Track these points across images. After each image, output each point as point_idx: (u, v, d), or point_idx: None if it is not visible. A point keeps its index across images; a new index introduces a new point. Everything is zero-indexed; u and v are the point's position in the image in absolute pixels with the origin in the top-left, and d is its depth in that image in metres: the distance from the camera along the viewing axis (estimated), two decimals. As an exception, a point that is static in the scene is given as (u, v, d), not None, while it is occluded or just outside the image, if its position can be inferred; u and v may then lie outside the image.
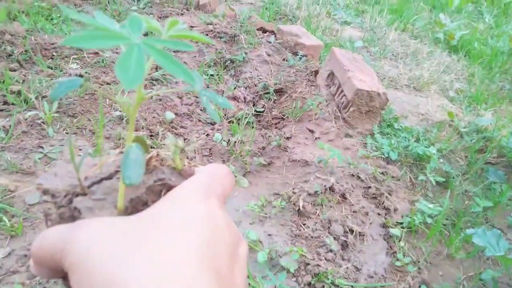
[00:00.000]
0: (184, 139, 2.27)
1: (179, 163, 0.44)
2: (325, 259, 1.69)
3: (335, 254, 1.72)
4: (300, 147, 2.30)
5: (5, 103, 2.17)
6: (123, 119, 2.26)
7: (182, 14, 3.61)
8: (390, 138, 2.42)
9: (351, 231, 1.85)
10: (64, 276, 0.36)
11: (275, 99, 2.77)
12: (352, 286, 1.66)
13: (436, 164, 2.30)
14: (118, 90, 2.41)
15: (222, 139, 2.34)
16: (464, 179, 2.41)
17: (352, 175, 2.11)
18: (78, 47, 0.29)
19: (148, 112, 2.34)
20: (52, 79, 2.37)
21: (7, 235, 1.58)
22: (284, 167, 2.21)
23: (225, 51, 3.14)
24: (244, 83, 2.88)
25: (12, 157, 1.85)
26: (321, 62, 3.23)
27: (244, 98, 2.76)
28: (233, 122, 2.49)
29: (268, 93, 2.78)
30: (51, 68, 2.49)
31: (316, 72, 2.91)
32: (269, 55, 3.14)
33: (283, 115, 2.63)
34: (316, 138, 2.37)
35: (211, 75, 2.94)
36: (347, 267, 1.71)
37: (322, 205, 1.92)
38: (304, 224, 1.86)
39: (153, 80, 2.66)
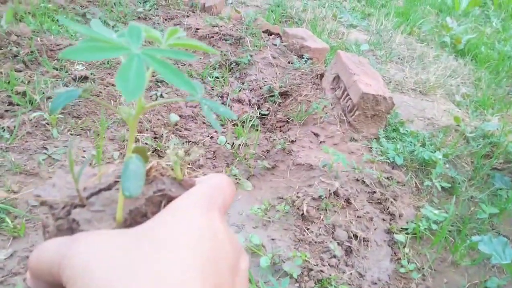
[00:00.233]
0: (188, 142, 2.26)
1: (179, 174, 0.43)
2: (329, 264, 1.68)
3: (338, 260, 1.71)
4: (304, 151, 2.29)
5: (10, 103, 2.18)
6: (127, 121, 2.25)
7: (187, 16, 3.61)
8: (395, 142, 2.41)
9: (355, 236, 1.83)
10: None
11: (280, 102, 2.76)
12: (355, 293, 1.65)
13: (442, 169, 2.28)
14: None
15: (226, 142, 2.33)
16: (470, 185, 2.38)
17: (357, 179, 2.09)
18: (77, 59, 0.29)
19: (153, 114, 2.33)
20: (57, 80, 2.37)
21: (9, 236, 1.58)
22: (288, 170, 2.20)
23: (231, 53, 3.14)
24: (249, 85, 2.87)
25: (16, 158, 1.85)
26: (326, 65, 3.22)
27: (249, 100, 2.75)
28: (237, 125, 2.48)
29: (273, 96, 2.77)
30: (57, 69, 2.50)
31: (322, 75, 2.90)
32: (274, 57, 3.13)
33: (288, 118, 2.62)
34: (321, 142, 2.36)
35: (216, 77, 2.93)
36: (351, 273, 1.70)
37: (326, 210, 1.91)
38: (307, 229, 1.84)
39: (158, 81, 2.66)
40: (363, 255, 1.81)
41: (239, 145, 2.31)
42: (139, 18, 3.45)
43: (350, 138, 2.38)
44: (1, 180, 1.73)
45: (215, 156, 2.23)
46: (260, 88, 2.83)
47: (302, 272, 1.64)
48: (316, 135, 2.42)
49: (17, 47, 2.56)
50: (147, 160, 0.43)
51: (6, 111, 2.12)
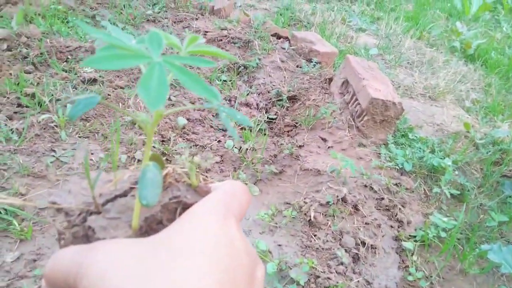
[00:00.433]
0: (196, 145, 2.26)
1: (195, 180, 0.43)
2: (336, 272, 1.66)
3: (346, 267, 1.69)
4: (312, 156, 2.27)
5: (19, 105, 2.19)
6: (135, 123, 2.26)
7: (196, 19, 3.62)
8: (404, 148, 2.38)
9: (363, 243, 1.81)
10: None
11: (288, 106, 2.75)
12: (363, 301, 1.63)
13: (451, 176, 2.25)
14: (132, 94, 2.41)
15: (233, 146, 2.32)
16: (480, 192, 2.35)
17: (365, 185, 2.07)
18: (98, 68, 0.29)
19: (160, 117, 2.33)
20: (66, 82, 2.38)
21: (16, 239, 1.58)
22: (295, 176, 2.18)
23: (239, 56, 3.13)
24: (257, 89, 2.86)
25: (24, 160, 1.86)
26: (335, 69, 3.20)
27: (257, 104, 2.74)
28: (245, 129, 2.47)
29: (281, 100, 2.76)
30: (66, 71, 2.51)
31: (330, 80, 2.89)
32: (282, 61, 3.12)
33: (296, 123, 2.60)
34: (329, 147, 2.34)
35: (224, 80, 2.93)
36: (358, 281, 1.68)
37: (334, 216, 1.89)
38: (315, 235, 1.83)
39: (166, 84, 2.65)
40: (370, 262, 1.79)
41: (247, 149, 2.30)
42: (148, 20, 3.46)
43: (358, 144, 2.36)
44: (9, 182, 1.74)
45: (222, 160, 2.22)
46: (268, 92, 2.82)
47: (309, 279, 1.62)
48: (324, 140, 2.41)
49: (27, 49, 2.58)
50: (163, 166, 0.43)
51: (15, 112, 2.13)
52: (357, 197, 1.96)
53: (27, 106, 2.17)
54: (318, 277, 1.62)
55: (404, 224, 1.98)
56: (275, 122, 2.69)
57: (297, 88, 2.81)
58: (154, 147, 2.11)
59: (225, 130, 2.48)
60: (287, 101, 2.75)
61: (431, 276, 1.83)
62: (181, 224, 0.36)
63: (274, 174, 2.21)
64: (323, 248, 1.76)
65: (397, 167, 2.26)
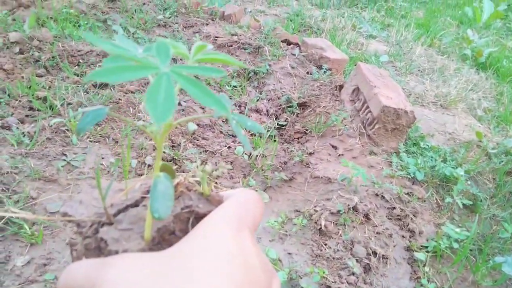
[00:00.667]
0: (206, 151, 2.25)
1: (206, 189, 0.43)
2: (347, 282, 1.64)
3: (357, 277, 1.67)
4: (323, 164, 2.26)
5: (31, 108, 2.20)
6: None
7: (207, 24, 3.62)
8: (416, 157, 2.36)
9: (374, 253, 1.79)
10: None
11: (298, 113, 2.74)
12: (374, 312, 1.60)
13: (464, 186, 2.22)
14: (142, 99, 2.41)
15: (243, 152, 2.31)
16: (492, 202, 2.32)
17: (376, 194, 2.05)
18: (105, 81, 0.28)
19: (171, 122, 2.33)
20: (77, 86, 2.39)
21: (27, 243, 1.58)
22: (306, 183, 2.17)
23: (249, 62, 3.13)
24: (267, 95, 2.85)
25: (35, 163, 1.86)
26: (345, 76, 3.19)
27: (267, 110, 2.73)
28: (255, 135, 2.46)
29: (291, 106, 2.75)
30: (77, 75, 2.52)
31: (341, 87, 2.87)
32: (293, 67, 3.11)
33: (306, 130, 2.59)
34: (339, 155, 2.33)
35: (234, 86, 2.92)
36: (370, 292, 1.65)
37: (345, 225, 1.87)
38: (325, 244, 1.81)
39: (176, 89, 2.65)
40: (382, 272, 1.77)
41: (257, 156, 2.29)
42: (159, 25, 3.47)
43: (369, 152, 2.34)
44: (20, 186, 1.74)
45: (232, 167, 2.21)
46: (278, 98, 2.81)
47: (319, 289, 1.60)
48: (335, 147, 2.39)
49: (38, 52, 2.59)
50: (174, 176, 0.42)
51: (27, 116, 2.14)
52: (368, 206, 1.94)
53: (38, 110, 2.18)
54: (329, 287, 1.60)
55: (416, 234, 1.96)
56: (285, 128, 2.68)
57: (307, 94, 2.79)
58: (164, 152, 2.11)
59: (235, 136, 2.47)
60: (297, 107, 2.74)
61: (443, 288, 1.80)
62: (194, 239, 0.35)
63: (284, 181, 2.19)
64: (334, 258, 1.74)
65: (408, 176, 2.23)
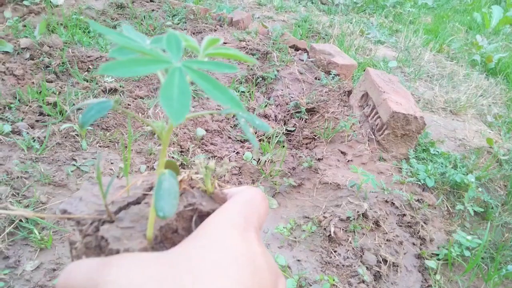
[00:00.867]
0: (214, 156, 2.25)
1: (210, 187, 0.42)
2: (357, 290, 1.62)
3: (367, 286, 1.65)
4: (331, 169, 2.24)
5: (41, 113, 2.21)
6: (154, 133, 2.26)
7: (215, 30, 3.64)
8: (426, 163, 2.33)
9: (385, 261, 1.77)
10: None
11: (306, 119, 2.73)
12: (385, 321, 1.58)
13: (475, 193, 2.20)
14: (151, 104, 2.42)
15: (252, 157, 2.30)
16: (504, 210, 2.29)
17: (386, 201, 2.03)
18: (116, 75, 0.26)
19: (179, 127, 2.33)
20: (87, 92, 2.40)
21: (36, 248, 1.58)
22: (314, 189, 2.15)
23: (257, 68, 3.13)
24: (275, 101, 2.85)
25: (45, 168, 1.87)
26: (354, 82, 3.18)
27: (275, 116, 2.73)
28: (263, 141, 2.46)
29: (299, 112, 2.74)
30: (87, 81, 2.53)
31: (349, 92, 2.86)
32: (301, 73, 3.11)
33: (315, 135, 2.58)
34: (348, 161, 2.31)
35: (242, 91, 2.92)
36: (380, 300, 1.63)
37: (355, 232, 1.85)
38: (335, 251, 1.79)
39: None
40: (392, 280, 1.74)
41: (265, 161, 2.28)
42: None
43: (378, 158, 2.32)
44: (30, 191, 1.74)
45: (240, 172, 2.21)
46: (287, 104, 2.81)
47: (329, 297, 1.58)
48: (344, 153, 2.38)
49: (49, 58, 2.61)
50: (178, 173, 0.41)
51: (37, 121, 2.15)
52: (378, 213, 1.92)
53: (48, 115, 2.19)
54: (339, 294, 1.58)
55: (426, 241, 1.93)
56: (293, 134, 2.67)
57: (315, 100, 2.78)
58: (172, 157, 2.11)
59: (243, 142, 2.47)
60: (306, 113, 2.73)
61: (455, 297, 1.77)
62: (199, 238, 0.34)
63: (292, 187, 2.18)
64: (343, 265, 1.72)
65: (418, 182, 2.21)
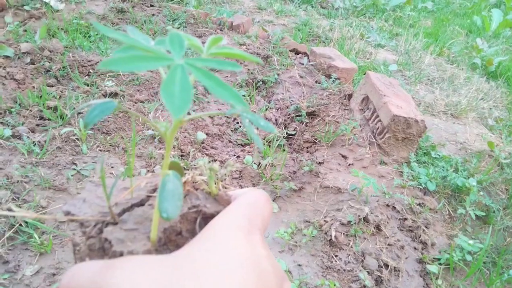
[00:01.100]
0: (214, 160, 2.24)
1: (214, 188, 0.41)
2: (359, 294, 1.61)
3: (369, 290, 1.64)
4: (332, 173, 2.23)
5: (41, 118, 2.21)
6: (155, 138, 2.26)
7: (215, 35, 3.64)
8: (427, 167, 2.33)
9: (386, 265, 1.76)
10: None
11: (307, 122, 2.72)
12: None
13: (476, 197, 2.19)
14: (152, 108, 2.42)
15: (252, 161, 2.30)
16: (506, 214, 2.28)
17: (387, 205, 2.02)
18: (116, 70, 0.26)
19: (180, 131, 2.33)
20: (88, 96, 2.40)
21: (36, 252, 1.57)
22: (315, 193, 2.15)
23: (257, 71, 3.13)
24: (276, 104, 2.85)
25: (45, 172, 1.86)
26: (354, 85, 3.17)
27: (276, 120, 2.73)
28: (264, 144, 2.45)
29: (300, 115, 2.74)
30: (87, 85, 2.53)
31: (350, 96, 2.86)
32: (301, 77, 3.11)
33: (315, 139, 2.57)
34: (349, 165, 2.31)
35: (243, 95, 2.92)
36: (382, 305, 1.62)
37: (356, 236, 1.84)
38: (336, 256, 1.78)
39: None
40: (394, 285, 1.73)
41: (266, 165, 2.28)
42: (168, 35, 3.49)
43: (379, 161, 2.32)
44: (30, 195, 1.74)
45: (241, 176, 2.20)
46: (287, 108, 2.80)
47: (330, 302, 1.57)
48: (344, 157, 2.37)
49: (49, 62, 2.62)
50: (182, 174, 0.41)
51: (37, 125, 2.15)
52: (379, 217, 1.92)
53: (49, 119, 2.19)
54: (340, 299, 1.57)
55: (428, 246, 1.93)
56: (294, 138, 2.66)
57: (316, 104, 2.78)
58: (173, 161, 2.10)
59: (244, 145, 2.46)
60: (306, 117, 2.73)
61: (457, 301, 1.76)
62: (204, 241, 0.34)
63: (293, 191, 2.18)
64: (344, 270, 1.71)
65: (420, 186, 2.20)
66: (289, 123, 2.75)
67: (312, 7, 5.30)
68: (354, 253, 1.78)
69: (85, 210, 0.41)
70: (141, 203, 0.41)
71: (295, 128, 2.70)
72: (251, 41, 3.49)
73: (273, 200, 2.12)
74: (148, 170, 2.04)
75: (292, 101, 2.86)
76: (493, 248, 2.06)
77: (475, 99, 3.41)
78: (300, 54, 3.53)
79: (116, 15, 3.60)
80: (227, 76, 3.08)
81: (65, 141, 2.07)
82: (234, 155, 2.32)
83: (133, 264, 0.32)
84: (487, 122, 3.20)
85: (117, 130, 2.22)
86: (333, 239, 1.82)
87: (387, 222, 1.93)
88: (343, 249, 1.80)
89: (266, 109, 2.79)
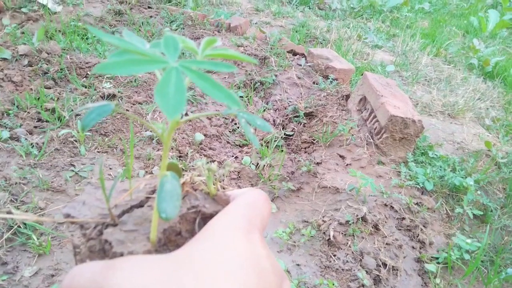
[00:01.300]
0: (212, 161, 2.25)
1: (212, 189, 0.42)
2: (357, 294, 1.61)
3: (367, 289, 1.64)
4: (330, 173, 2.24)
5: (39, 120, 2.21)
6: (153, 139, 2.26)
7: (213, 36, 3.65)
8: (425, 167, 2.34)
9: (384, 264, 1.77)
10: None
11: (305, 123, 2.73)
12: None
13: (474, 196, 2.20)
14: (150, 110, 2.42)
15: (250, 162, 2.30)
16: (503, 212, 2.29)
17: (385, 204, 2.03)
18: (112, 73, 0.27)
19: (178, 132, 2.33)
20: (85, 98, 2.41)
21: (34, 253, 1.57)
22: (313, 193, 2.15)
23: (255, 73, 3.14)
24: (274, 105, 2.86)
25: (44, 174, 1.87)
26: (352, 86, 3.18)
27: (274, 121, 2.73)
28: (262, 145, 2.46)
29: (298, 116, 2.75)
30: (85, 87, 2.54)
31: (347, 97, 2.87)
32: (299, 78, 3.12)
33: (313, 140, 2.58)
34: (347, 165, 2.31)
35: (241, 96, 2.93)
36: (380, 304, 1.63)
37: (354, 236, 1.85)
38: (334, 255, 1.78)
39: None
40: (392, 284, 1.74)
41: (264, 165, 2.28)
42: (165, 37, 3.50)
43: (377, 161, 2.32)
44: (28, 197, 1.74)
45: (239, 177, 2.21)
46: (285, 108, 2.81)
47: (329, 301, 1.58)
48: (342, 157, 2.38)
49: (47, 64, 2.62)
50: (181, 175, 0.41)
51: (35, 127, 2.15)
52: (377, 217, 1.92)
53: (47, 121, 2.19)
54: (339, 299, 1.57)
55: (426, 245, 1.93)
56: (292, 138, 2.67)
57: (314, 104, 2.79)
58: (171, 162, 2.11)
59: (242, 146, 2.47)
60: (304, 117, 2.74)
61: (455, 300, 1.77)
62: (203, 241, 0.34)
63: (291, 191, 2.18)
64: (343, 269, 1.72)
65: (417, 186, 2.21)
66: (287, 124, 2.76)
67: (310, 8, 5.32)
68: (352, 252, 1.79)
69: (84, 212, 0.41)
70: (140, 205, 0.41)
71: (293, 128, 2.71)
72: (248, 43, 3.50)
73: (271, 201, 2.13)
74: (147, 171, 2.04)
75: (290, 102, 2.87)
76: (491, 247, 2.06)
77: (472, 99, 3.43)
78: (297, 55, 3.55)
79: (113, 17, 3.61)
80: (225, 78, 3.09)
81: (63, 143, 2.07)
82: (232, 156, 2.32)
83: (133, 264, 0.32)
84: (484, 122, 3.21)
85: (115, 132, 2.22)
86: (332, 238, 1.83)
87: (385, 222, 1.94)
88: (341, 249, 1.81)
89: (264, 110, 2.80)
